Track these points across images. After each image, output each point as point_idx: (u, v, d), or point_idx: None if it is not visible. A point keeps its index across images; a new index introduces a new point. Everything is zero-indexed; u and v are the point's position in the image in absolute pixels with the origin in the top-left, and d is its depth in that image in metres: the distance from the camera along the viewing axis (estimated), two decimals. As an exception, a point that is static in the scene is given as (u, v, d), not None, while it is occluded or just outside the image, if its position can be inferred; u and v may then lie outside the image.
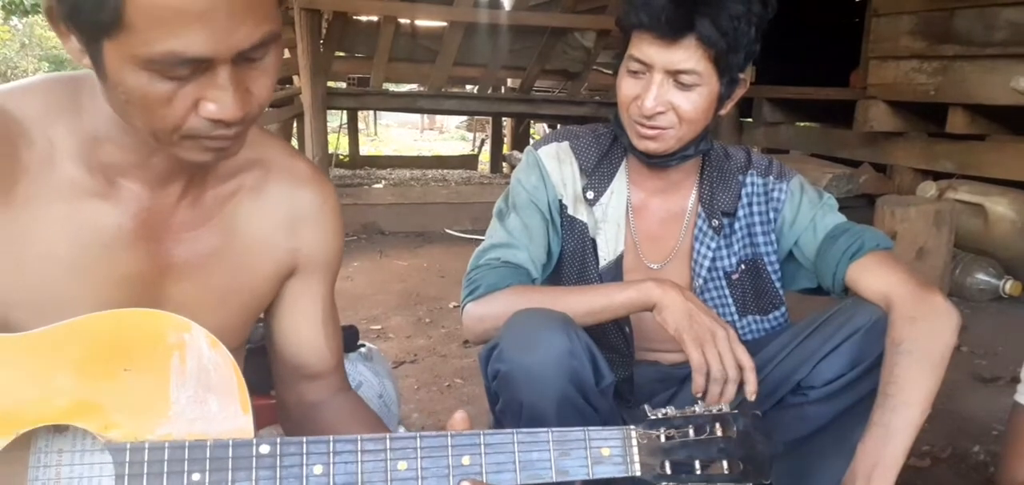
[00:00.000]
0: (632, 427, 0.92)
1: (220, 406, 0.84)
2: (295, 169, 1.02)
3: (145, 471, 0.80)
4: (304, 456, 0.83)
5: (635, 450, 0.91)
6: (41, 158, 0.84)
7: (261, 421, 1.58)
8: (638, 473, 0.91)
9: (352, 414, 1.09)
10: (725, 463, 0.92)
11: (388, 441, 0.86)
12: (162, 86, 0.75)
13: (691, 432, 0.92)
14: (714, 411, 0.95)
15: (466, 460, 0.87)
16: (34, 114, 0.85)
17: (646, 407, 0.95)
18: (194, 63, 0.74)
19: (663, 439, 0.92)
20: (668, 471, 0.91)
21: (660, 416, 0.94)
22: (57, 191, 0.85)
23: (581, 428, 0.91)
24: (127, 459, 0.80)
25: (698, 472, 0.91)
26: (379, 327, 3.09)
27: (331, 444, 0.84)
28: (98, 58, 0.75)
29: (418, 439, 0.87)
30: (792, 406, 1.31)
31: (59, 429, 0.83)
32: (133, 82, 0.74)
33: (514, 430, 0.89)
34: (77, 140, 0.85)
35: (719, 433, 0.93)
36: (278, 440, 0.83)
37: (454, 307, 3.24)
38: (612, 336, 1.41)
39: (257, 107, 0.81)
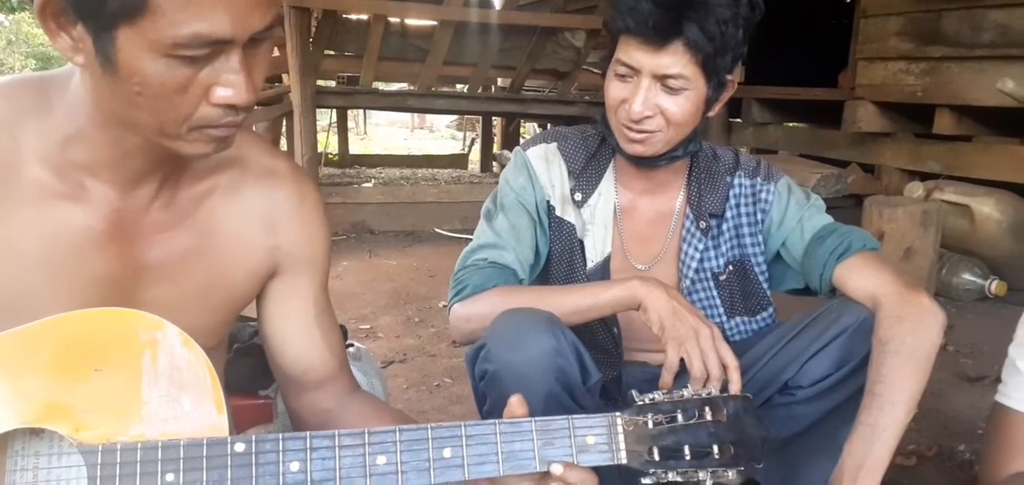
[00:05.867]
0: (618, 414, 0.91)
1: (193, 405, 0.83)
2: (273, 167, 1.01)
3: (118, 473, 0.79)
4: (280, 453, 0.82)
5: (621, 437, 0.90)
6: (6, 161, 0.83)
7: (251, 421, 1.58)
8: (624, 461, 0.89)
9: (376, 415, 1.05)
10: (716, 448, 0.90)
11: (366, 435, 0.85)
12: (180, 72, 0.76)
13: (680, 417, 0.90)
14: (703, 395, 0.92)
15: (447, 452, 0.85)
16: None
17: (633, 392, 0.93)
18: (215, 45, 0.75)
19: (651, 425, 0.90)
20: (656, 458, 0.89)
21: (647, 402, 0.92)
22: (24, 194, 0.84)
23: (565, 416, 0.90)
24: (99, 461, 0.78)
25: (687, 458, 0.89)
26: (368, 327, 3.08)
27: (308, 440, 0.83)
28: (107, 50, 0.74)
29: (397, 433, 0.85)
30: (780, 406, 1.31)
31: (36, 431, 0.82)
32: (151, 69, 0.75)
33: (496, 421, 0.88)
34: (45, 142, 0.84)
35: (709, 417, 0.91)
36: (253, 438, 0.82)
37: (443, 306, 3.23)
38: (601, 336, 1.41)
39: (257, 95, 0.82)
